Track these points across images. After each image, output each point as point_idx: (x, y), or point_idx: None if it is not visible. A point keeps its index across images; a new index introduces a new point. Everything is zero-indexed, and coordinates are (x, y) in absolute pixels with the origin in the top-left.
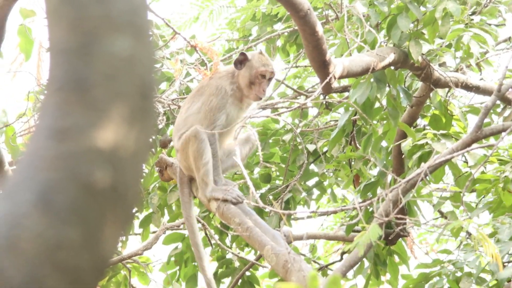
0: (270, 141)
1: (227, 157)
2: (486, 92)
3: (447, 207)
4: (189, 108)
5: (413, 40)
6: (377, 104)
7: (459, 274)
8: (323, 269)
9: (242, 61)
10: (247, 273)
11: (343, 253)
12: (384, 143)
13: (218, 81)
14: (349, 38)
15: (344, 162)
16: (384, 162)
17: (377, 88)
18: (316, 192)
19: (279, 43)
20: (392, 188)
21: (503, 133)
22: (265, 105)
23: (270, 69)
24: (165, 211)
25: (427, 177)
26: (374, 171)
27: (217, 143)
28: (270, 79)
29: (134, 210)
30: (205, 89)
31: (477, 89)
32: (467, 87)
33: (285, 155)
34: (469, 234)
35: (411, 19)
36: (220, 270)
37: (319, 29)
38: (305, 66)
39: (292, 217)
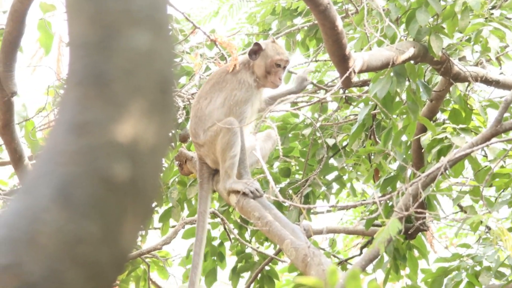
0: (290, 135)
1: (250, 153)
2: (506, 86)
3: (467, 201)
4: (211, 103)
5: (433, 35)
6: (397, 99)
7: (478, 268)
8: (343, 263)
9: (256, 51)
10: (267, 268)
11: (362, 247)
12: (403, 137)
13: (238, 76)
14: (369, 33)
15: (363, 157)
16: (404, 156)
17: (397, 82)
18: (335, 186)
19: (299, 37)
20: (411, 182)
21: None
22: (285, 99)
23: (285, 58)
24: (185, 205)
25: (447, 171)
26: (394, 165)
27: (244, 137)
28: (285, 67)
29: (153, 205)
30: (224, 84)
31: (497, 83)
32: (487, 81)
33: (304, 149)
34: (488, 228)
35: (430, 13)
36: (239, 265)
37: (339, 23)
38: (325, 61)
39: (312, 211)
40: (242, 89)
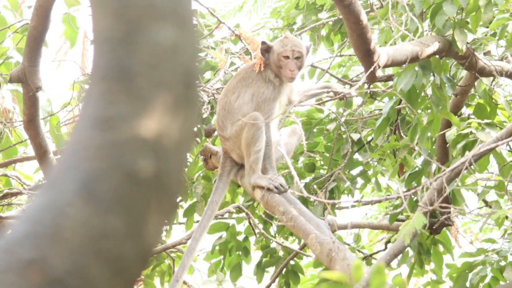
0: (315, 130)
1: (274, 148)
2: None
3: (492, 196)
4: (239, 98)
5: (457, 29)
6: (422, 94)
7: (503, 263)
8: (368, 258)
9: (266, 49)
10: (291, 262)
11: (387, 242)
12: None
13: (263, 73)
14: (394, 27)
15: (388, 152)
16: (429, 151)
17: (422, 76)
18: (360, 181)
19: (323, 32)
20: (436, 177)
21: None
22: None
23: (290, 48)
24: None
25: (472, 166)
26: (419, 160)
27: (270, 132)
28: (297, 57)
29: (178, 199)
30: (250, 81)
31: None
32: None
33: (329, 144)
34: None
35: (457, 6)
36: (264, 260)
37: (364, 17)
38: (350, 55)
39: (337, 206)
40: (269, 87)
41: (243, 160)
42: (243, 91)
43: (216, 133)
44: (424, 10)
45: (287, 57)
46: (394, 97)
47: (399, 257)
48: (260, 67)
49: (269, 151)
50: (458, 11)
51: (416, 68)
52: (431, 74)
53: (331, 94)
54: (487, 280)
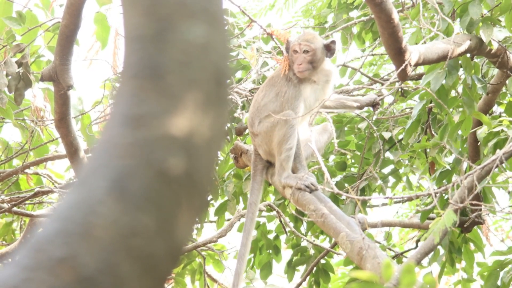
0: (346, 128)
1: (305, 145)
2: None
3: None
4: (265, 96)
5: (484, 24)
6: (453, 93)
7: None
8: (398, 257)
9: (288, 47)
10: (322, 261)
11: (418, 240)
12: (459, 131)
13: (288, 73)
14: (424, 26)
15: (419, 150)
16: (460, 149)
17: (448, 75)
18: (391, 179)
19: (355, 30)
20: (467, 174)
21: None
22: (340, 92)
23: (297, 42)
24: (240, 198)
25: (503, 164)
26: (450, 159)
27: (299, 131)
28: (306, 51)
29: (208, 198)
30: (276, 79)
31: None
32: None
33: (360, 142)
34: None
35: (484, 6)
36: (295, 258)
37: (395, 16)
38: (381, 54)
39: (367, 204)
40: (290, 86)
41: (269, 156)
42: (269, 90)
43: (247, 131)
44: (455, 9)
45: (296, 51)
46: (424, 98)
47: (430, 255)
48: (286, 66)
49: (299, 150)
50: (490, 11)
51: (445, 67)
52: (458, 72)
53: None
54: None
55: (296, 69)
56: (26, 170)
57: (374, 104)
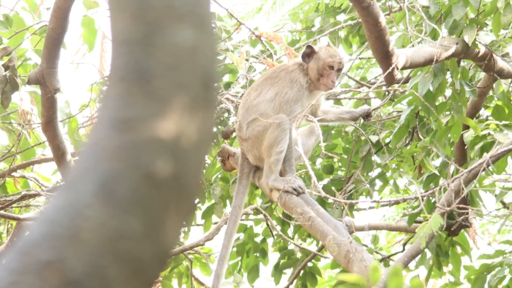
0: (333, 132)
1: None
2: None
3: (510, 197)
4: (259, 95)
5: (468, 26)
6: (441, 98)
7: None
8: (385, 260)
9: (309, 54)
10: (309, 264)
11: (405, 243)
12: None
13: (291, 74)
14: (411, 32)
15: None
16: (447, 153)
17: (434, 78)
18: (378, 183)
19: (342, 34)
20: (454, 178)
21: None
22: (328, 96)
23: (338, 60)
24: (227, 202)
25: (490, 167)
26: (437, 162)
27: (292, 135)
28: (339, 70)
29: (196, 201)
30: (276, 80)
31: None
32: None
33: (347, 146)
34: None
35: (472, 10)
36: (282, 261)
37: (382, 19)
38: (368, 58)
39: (355, 208)
40: (294, 88)
41: (258, 162)
42: (266, 89)
43: (234, 134)
44: (442, 13)
45: (332, 68)
46: (413, 104)
47: (417, 258)
48: (291, 56)
49: (290, 153)
50: (475, 13)
51: (431, 70)
52: (445, 76)
53: (349, 95)
54: (505, 281)
55: (330, 85)
56: (13, 173)
57: (367, 115)
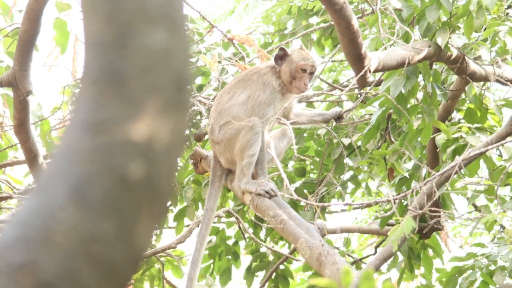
0: (305, 134)
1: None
2: None
3: (481, 200)
4: (232, 98)
5: (441, 29)
6: (413, 101)
7: (492, 267)
8: (357, 263)
9: (282, 56)
10: (281, 267)
11: (377, 246)
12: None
13: (264, 77)
14: (383, 35)
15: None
16: (419, 155)
17: (407, 80)
18: (350, 186)
19: (314, 36)
20: (426, 181)
21: None
22: (300, 98)
23: (311, 63)
24: (199, 204)
25: (462, 170)
26: (409, 165)
27: (264, 138)
28: (311, 73)
29: (168, 203)
30: (249, 83)
31: None
32: (502, 80)
33: (319, 149)
34: (503, 227)
35: (444, 13)
36: (254, 264)
37: (355, 22)
38: (341, 61)
39: (327, 210)
40: (266, 91)
41: (230, 165)
42: (238, 92)
43: (206, 137)
44: (415, 16)
45: (305, 71)
46: (384, 106)
47: (389, 261)
48: (263, 59)
49: (262, 156)
50: (448, 16)
51: (403, 73)
52: (417, 79)
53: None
54: (476, 284)
55: (302, 88)
56: None
57: (339, 117)
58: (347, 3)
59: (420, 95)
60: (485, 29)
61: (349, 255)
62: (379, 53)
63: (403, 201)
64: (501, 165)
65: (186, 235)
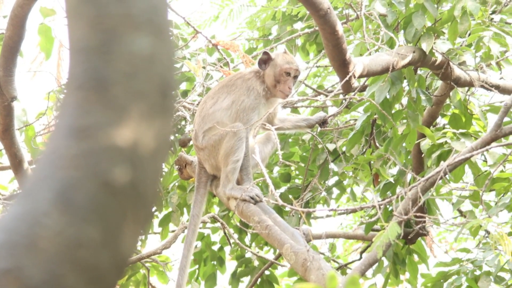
0: (290, 140)
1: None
2: (506, 91)
3: (466, 206)
4: (216, 104)
5: (425, 34)
6: (397, 106)
7: (478, 272)
8: (342, 268)
9: (266, 60)
10: (266, 272)
11: (362, 252)
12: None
13: (248, 82)
14: (368, 40)
15: (364, 162)
16: (404, 161)
17: (391, 86)
18: (336, 191)
19: (299, 42)
20: (411, 186)
21: None
22: (285, 104)
23: (294, 66)
24: (185, 210)
25: (447, 175)
26: (394, 170)
27: (249, 144)
28: (295, 76)
29: (153, 209)
30: (233, 88)
31: (497, 88)
32: (487, 86)
33: (304, 154)
34: (488, 233)
35: (429, 18)
36: (239, 269)
37: (339, 28)
38: (325, 66)
39: (312, 216)
40: (251, 96)
41: (215, 171)
42: (222, 97)
43: (191, 142)
44: (399, 21)
45: (289, 74)
46: (369, 111)
47: (374, 266)
48: (247, 64)
49: (247, 162)
50: (433, 21)
51: (387, 79)
52: (402, 84)
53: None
54: None
55: (286, 91)
56: None
57: (323, 122)
58: (331, 9)
59: (404, 100)
60: (469, 35)
61: (334, 261)
62: (364, 58)
63: (388, 206)
64: (486, 171)
65: (171, 241)
